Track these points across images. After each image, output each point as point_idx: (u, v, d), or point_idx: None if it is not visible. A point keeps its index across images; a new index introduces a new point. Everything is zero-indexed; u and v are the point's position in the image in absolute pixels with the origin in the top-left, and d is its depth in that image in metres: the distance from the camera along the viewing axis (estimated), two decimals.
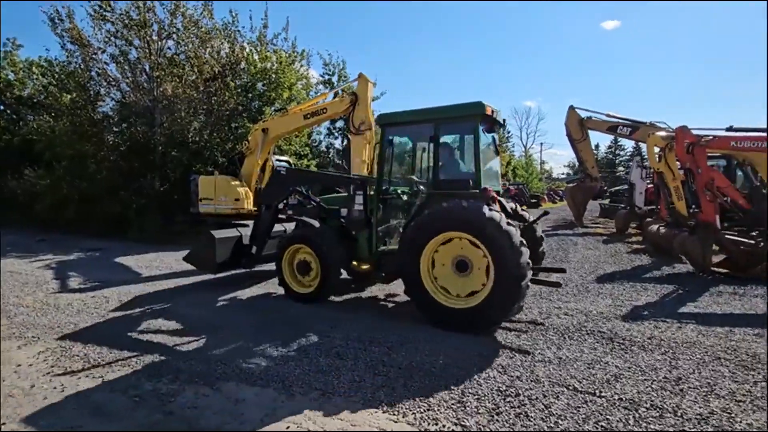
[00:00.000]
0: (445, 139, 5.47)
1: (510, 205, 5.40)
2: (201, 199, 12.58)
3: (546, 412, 3.05)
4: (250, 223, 12.17)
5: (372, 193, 5.72)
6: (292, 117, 10.88)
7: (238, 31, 15.30)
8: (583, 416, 2.98)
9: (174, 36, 14.18)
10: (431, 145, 5.24)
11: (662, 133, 9.64)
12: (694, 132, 7.81)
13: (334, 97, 11.86)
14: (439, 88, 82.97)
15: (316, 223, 6.10)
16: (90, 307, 5.89)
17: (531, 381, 3.51)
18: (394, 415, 3.06)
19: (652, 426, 2.86)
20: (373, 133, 10.41)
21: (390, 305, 5.98)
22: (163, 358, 4.09)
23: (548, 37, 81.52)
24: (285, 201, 6.78)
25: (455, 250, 4.71)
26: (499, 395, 3.29)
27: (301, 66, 17.23)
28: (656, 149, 9.69)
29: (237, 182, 12.23)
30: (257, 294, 6.65)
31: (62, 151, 14.34)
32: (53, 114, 15.10)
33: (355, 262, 6.00)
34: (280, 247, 6.04)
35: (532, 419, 2.97)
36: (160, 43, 14.06)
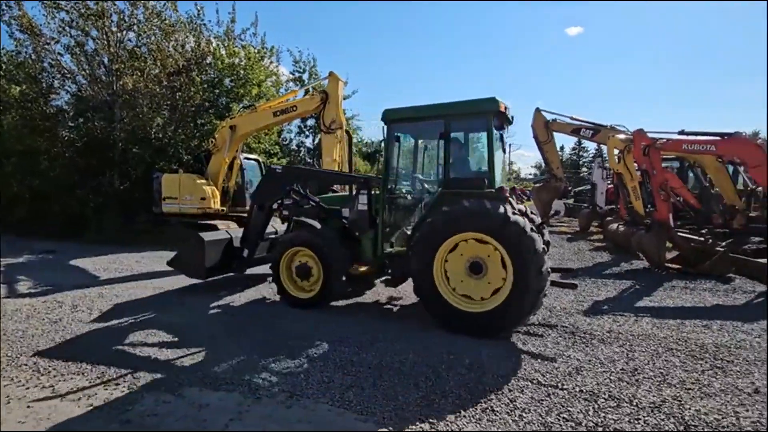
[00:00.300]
0: (455, 135, 5.22)
1: (519, 207, 5.13)
2: (164, 198, 12.13)
3: (511, 405, 3.12)
4: (219, 223, 11.88)
5: (376, 192, 5.48)
6: (261, 114, 10.66)
7: (204, 24, 14.84)
8: (546, 408, 3.08)
9: (135, 28, 13.57)
10: (441, 142, 5.00)
11: (621, 136, 10.09)
12: (650, 135, 8.23)
13: (305, 95, 11.71)
14: (412, 88, 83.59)
15: (318, 225, 5.68)
16: (41, 312, 5.55)
17: (497, 376, 3.59)
18: (363, 415, 3.05)
19: (610, 416, 2.98)
20: (344, 132, 10.37)
21: (391, 307, 5.96)
22: (158, 375, 3.82)
23: (516, 41, 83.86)
24: (279, 201, 6.36)
25: (470, 252, 4.50)
26: (465, 391, 3.34)
27: (271, 63, 16.92)
28: (616, 151, 10.14)
29: (203, 181, 11.87)
30: (253, 299, 6.25)
31: (11, 146, 13.45)
32: (0, 107, 14.14)
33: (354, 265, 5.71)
34: (277, 250, 5.70)
35: (497, 413, 3.03)
36: (119, 34, 13.43)
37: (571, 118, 13.43)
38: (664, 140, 8.21)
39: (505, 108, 4.88)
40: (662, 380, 3.51)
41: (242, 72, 14.90)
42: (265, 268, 7.25)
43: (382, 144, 5.39)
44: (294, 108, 10.44)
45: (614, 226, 10.57)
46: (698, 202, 10.62)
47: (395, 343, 4.33)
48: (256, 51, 15.68)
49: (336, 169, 10.51)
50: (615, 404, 3.14)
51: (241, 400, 3.25)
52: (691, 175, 11.89)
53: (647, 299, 6.03)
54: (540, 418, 2.96)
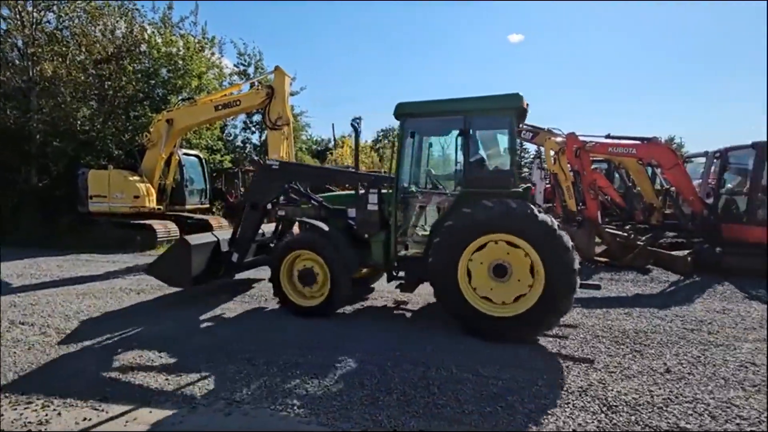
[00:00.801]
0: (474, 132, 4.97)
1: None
2: (91, 197, 11.20)
3: (453, 398, 3.21)
4: (156, 222, 11.13)
5: (386, 191, 5.18)
6: (202, 108, 10.14)
7: (137, 9, 13.83)
8: (486, 398, 3.20)
9: (54, 8, 12.32)
10: (460, 139, 4.75)
11: (557, 139, 10.76)
12: (582, 138, 8.86)
13: (250, 89, 11.30)
14: (366, 87, 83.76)
15: (324, 226, 5.20)
16: None
17: (441, 370, 3.67)
18: (306, 417, 2.99)
19: (542, 401, 3.16)
20: (291, 128, 10.13)
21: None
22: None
23: (461, 45, 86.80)
24: (275, 200, 5.91)
25: (494, 254, 4.32)
26: (410, 387, 3.38)
27: (212, 54, 16.14)
28: (552, 153, 10.79)
29: (136, 177, 11.09)
30: (250, 308, 5.65)
31: None
32: None
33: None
34: (278, 254, 5.22)
35: (440, 407, 3.10)
36: (36, 14, 12.13)
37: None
38: (593, 143, 8.88)
39: (527, 105, 4.72)
40: (590, 365, 3.78)
41: (181, 62, 14.08)
42: (249, 273, 6.96)
43: (395, 140, 5.07)
44: (238, 102, 10.04)
45: None
46: (623, 200, 11.62)
47: (345, 343, 4.30)
48: (196, 41, 14.87)
49: None
50: (548, 390, 3.33)
51: (175, 411, 3.06)
52: (617, 175, 12.95)
53: (579, 291, 6.46)
54: (480, 408, 3.06)
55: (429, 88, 79.86)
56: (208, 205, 13.56)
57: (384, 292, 6.27)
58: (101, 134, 12.61)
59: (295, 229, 6.12)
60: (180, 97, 13.96)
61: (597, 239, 8.59)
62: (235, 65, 20.96)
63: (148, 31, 13.98)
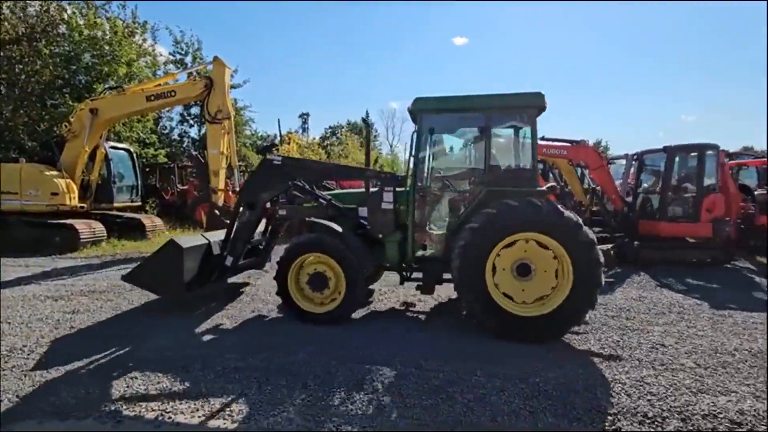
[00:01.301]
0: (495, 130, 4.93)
1: None
2: (0, 193, 10.01)
3: (395, 392, 3.25)
4: (78, 222, 10.16)
5: (402, 189, 5.02)
6: (132, 98, 9.43)
7: None
8: (427, 391, 3.28)
9: None
10: (481, 136, 4.69)
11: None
12: None
13: (187, 80, 10.68)
14: (312, 85, 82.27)
15: (338, 227, 4.91)
16: None
17: (384, 366, 3.71)
18: (245, 423, 2.88)
19: (481, 390, 3.29)
20: (233, 122, 9.71)
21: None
22: None
23: (407, 45, 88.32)
24: (276, 198, 5.51)
25: (518, 253, 4.28)
26: (354, 385, 3.38)
27: (144, 40, 15.02)
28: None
29: (54, 172, 10.11)
30: (249, 317, 5.19)
31: None
32: None
33: None
34: (286, 257, 4.85)
35: (383, 402, 3.13)
36: None
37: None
38: None
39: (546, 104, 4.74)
40: (530, 355, 3.98)
41: (107, 47, 12.94)
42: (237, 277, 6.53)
43: (413, 136, 4.87)
44: (173, 93, 9.46)
45: None
46: (556, 198, 12.44)
47: (289, 344, 4.20)
48: (124, 24, 13.75)
49: (224, 162, 9.82)
50: (486, 379, 3.48)
51: (98, 428, 2.81)
52: (551, 175, 13.84)
53: None
54: (422, 401, 3.13)
55: (374, 89, 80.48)
56: (139, 203, 12.63)
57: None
58: (11, 123, 11.27)
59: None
60: (107, 86, 12.83)
61: None
62: (170, 54, 19.66)
63: (68, 11, 12.69)
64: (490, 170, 4.76)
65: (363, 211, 5.11)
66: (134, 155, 12.45)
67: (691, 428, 2.84)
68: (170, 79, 11.01)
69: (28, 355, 3.99)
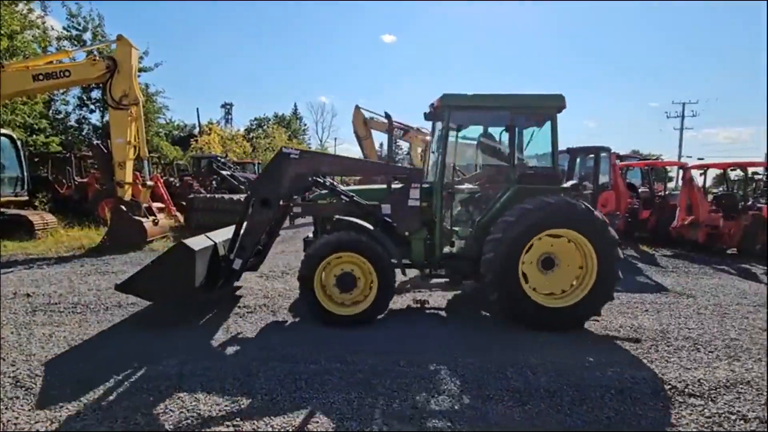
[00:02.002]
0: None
1: None
2: None
3: (319, 389, 3.23)
4: None
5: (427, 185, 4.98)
6: (13, 75, 8.19)
7: None
8: (352, 385, 3.30)
9: None
10: (505, 134, 4.93)
11: (427, 137, 11.66)
12: None
13: (86, 59, 9.53)
14: (236, 77, 77.79)
15: (368, 225, 4.71)
16: None
17: (310, 363, 3.66)
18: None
19: (403, 380, 3.39)
20: (141, 108, 8.87)
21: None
22: None
23: (337, 41, 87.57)
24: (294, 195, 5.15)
25: (544, 248, 4.53)
26: (277, 383, 3.29)
27: (30, 11, 13.05)
28: (419, 149, 11.68)
29: None
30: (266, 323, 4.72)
31: None
32: None
33: None
34: (313, 257, 4.51)
35: (306, 399, 3.09)
36: None
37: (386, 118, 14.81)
38: None
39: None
40: (512, 346, 4.18)
41: None
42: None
43: (439, 132, 4.89)
44: (66, 73, 8.38)
45: None
46: None
47: (202, 346, 3.96)
48: None
49: (131, 153, 8.97)
50: (409, 368, 3.59)
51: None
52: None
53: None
54: (345, 396, 3.14)
55: (303, 82, 78.58)
56: (26, 197, 11.00)
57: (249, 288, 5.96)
58: None
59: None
60: None
61: None
62: (64, 28, 17.29)
63: None
64: (516, 168, 4.90)
65: (386, 209, 4.96)
66: (18, 142, 10.79)
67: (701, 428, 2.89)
68: (64, 56, 9.67)
69: None
